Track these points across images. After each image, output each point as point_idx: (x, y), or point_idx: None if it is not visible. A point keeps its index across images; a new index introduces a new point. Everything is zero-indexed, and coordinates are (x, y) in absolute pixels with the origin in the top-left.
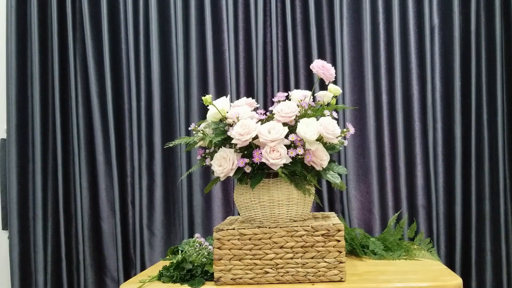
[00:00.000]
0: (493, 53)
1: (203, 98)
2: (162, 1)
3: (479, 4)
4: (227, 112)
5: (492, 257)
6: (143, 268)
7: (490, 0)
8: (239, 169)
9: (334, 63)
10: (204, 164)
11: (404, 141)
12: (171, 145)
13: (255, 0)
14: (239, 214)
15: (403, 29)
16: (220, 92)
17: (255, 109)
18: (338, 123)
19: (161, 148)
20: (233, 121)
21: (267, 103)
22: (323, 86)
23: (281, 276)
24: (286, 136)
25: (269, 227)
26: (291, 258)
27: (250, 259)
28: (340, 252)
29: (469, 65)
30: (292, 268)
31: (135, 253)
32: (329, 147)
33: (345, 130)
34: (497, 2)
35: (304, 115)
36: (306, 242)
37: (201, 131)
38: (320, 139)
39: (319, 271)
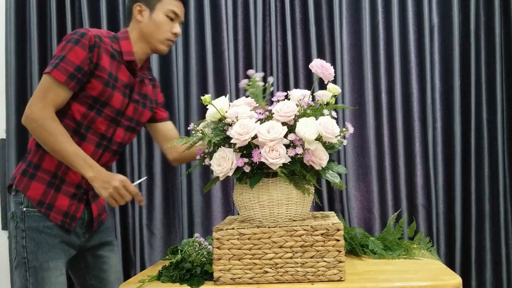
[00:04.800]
0: (492, 52)
1: (202, 97)
2: None
3: (478, 3)
4: (226, 112)
5: (492, 256)
6: (142, 268)
7: (489, 0)
8: (238, 169)
9: (333, 63)
10: (204, 163)
11: (404, 140)
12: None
13: (254, 0)
14: (238, 214)
15: (403, 29)
16: (220, 91)
17: (254, 109)
18: (337, 122)
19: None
20: (232, 121)
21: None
22: (323, 86)
23: (281, 275)
24: (285, 136)
25: (269, 227)
26: (291, 258)
27: (250, 258)
28: (340, 251)
29: (469, 64)
30: (291, 267)
31: (134, 253)
32: (328, 146)
33: (344, 129)
34: (496, 2)
35: (303, 114)
36: (306, 242)
37: (200, 131)
38: (319, 139)
39: (319, 270)
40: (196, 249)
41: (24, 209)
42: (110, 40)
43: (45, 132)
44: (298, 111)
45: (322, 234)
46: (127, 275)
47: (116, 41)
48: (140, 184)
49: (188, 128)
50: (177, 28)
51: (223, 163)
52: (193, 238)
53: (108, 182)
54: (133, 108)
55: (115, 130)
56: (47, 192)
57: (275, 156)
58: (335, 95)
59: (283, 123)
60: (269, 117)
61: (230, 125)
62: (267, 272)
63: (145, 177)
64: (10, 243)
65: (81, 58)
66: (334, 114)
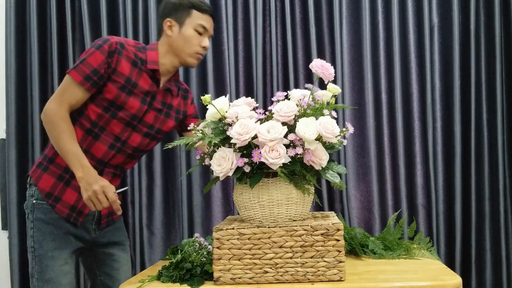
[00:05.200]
0: (492, 52)
1: (202, 97)
2: (162, 1)
3: (478, 3)
4: (226, 112)
5: (492, 256)
6: (142, 267)
7: (489, 0)
8: (238, 169)
9: (333, 63)
10: (204, 163)
11: (404, 140)
12: (170, 146)
13: (254, 0)
14: (238, 214)
15: (403, 29)
16: (220, 91)
17: (254, 109)
18: (337, 122)
19: (161, 148)
20: (232, 121)
21: (266, 103)
22: (323, 86)
23: (281, 275)
24: (285, 136)
25: (269, 227)
26: (291, 258)
27: (250, 258)
28: (340, 251)
29: (469, 64)
30: (291, 267)
31: (135, 253)
32: (328, 146)
33: (344, 129)
34: (496, 1)
35: (303, 114)
36: (306, 242)
37: (200, 131)
38: (319, 139)
39: (319, 270)
40: (196, 249)
41: (34, 201)
42: (136, 49)
43: (52, 127)
44: (298, 111)
45: (322, 234)
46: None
47: (144, 51)
48: (123, 193)
49: (188, 128)
50: (206, 42)
51: (223, 163)
52: (193, 238)
53: (90, 185)
54: (153, 116)
55: (131, 134)
56: (56, 185)
57: (275, 156)
58: (335, 95)
59: (283, 123)
60: (269, 117)
61: (230, 125)
62: (267, 272)
63: (126, 187)
64: (10, 242)
65: (99, 62)
66: (334, 114)
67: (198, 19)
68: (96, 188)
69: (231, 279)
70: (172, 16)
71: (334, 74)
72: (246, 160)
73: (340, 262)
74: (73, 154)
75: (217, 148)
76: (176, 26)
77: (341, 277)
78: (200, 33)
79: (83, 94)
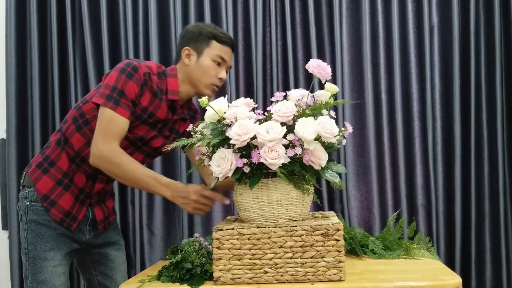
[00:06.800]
0: (492, 52)
1: (199, 100)
2: (161, 1)
3: (478, 3)
4: (225, 113)
5: (492, 256)
6: (142, 267)
7: (489, 0)
8: (237, 170)
9: (333, 63)
10: (203, 164)
11: (404, 140)
12: (169, 148)
13: (254, 0)
14: (238, 214)
15: (403, 29)
16: (220, 91)
17: (253, 109)
18: (337, 122)
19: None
20: (231, 122)
21: (266, 103)
22: (322, 85)
23: (281, 275)
24: (284, 136)
25: (268, 227)
26: (290, 258)
27: (250, 259)
28: (339, 251)
29: (469, 64)
30: (291, 267)
31: (134, 253)
32: (327, 146)
33: (343, 129)
34: (496, 2)
35: (302, 114)
36: (305, 242)
37: (199, 132)
38: (318, 139)
39: (319, 270)
40: (196, 249)
41: (28, 203)
42: (157, 77)
43: (117, 168)
44: (297, 111)
45: (322, 234)
46: (127, 275)
47: (164, 78)
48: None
49: (187, 129)
50: (223, 73)
51: (223, 163)
52: (193, 238)
53: (187, 198)
54: (161, 141)
55: (133, 153)
56: (54, 189)
57: (274, 156)
58: (334, 94)
59: (282, 124)
60: (268, 117)
61: (229, 126)
62: (267, 272)
63: (217, 178)
64: (10, 242)
65: (134, 95)
66: (333, 114)
67: (217, 50)
68: (194, 197)
69: (231, 279)
70: (191, 45)
71: (331, 73)
72: (245, 160)
73: (340, 262)
74: (150, 177)
75: (216, 149)
76: (194, 56)
77: (341, 277)
78: (218, 64)
79: (127, 124)
